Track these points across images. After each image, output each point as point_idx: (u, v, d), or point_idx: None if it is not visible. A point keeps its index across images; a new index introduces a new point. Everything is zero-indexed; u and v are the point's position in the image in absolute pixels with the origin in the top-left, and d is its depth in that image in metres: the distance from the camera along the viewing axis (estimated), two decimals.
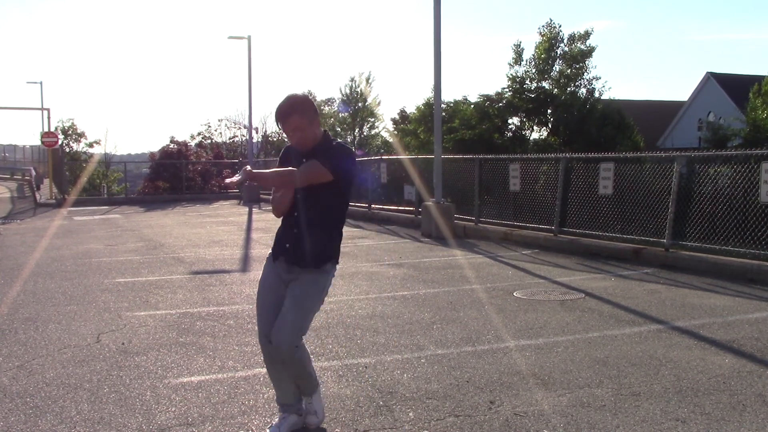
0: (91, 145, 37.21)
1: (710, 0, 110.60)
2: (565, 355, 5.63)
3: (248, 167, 3.92)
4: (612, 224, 11.51)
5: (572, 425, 4.19)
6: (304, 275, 3.97)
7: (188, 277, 9.69)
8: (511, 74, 31.21)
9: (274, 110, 3.96)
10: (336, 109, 48.56)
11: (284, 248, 4.01)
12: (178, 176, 30.13)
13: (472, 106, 30.97)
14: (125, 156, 49.63)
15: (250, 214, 21.59)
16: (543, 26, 31.22)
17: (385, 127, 45.91)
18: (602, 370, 5.21)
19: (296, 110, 3.86)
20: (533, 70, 31.01)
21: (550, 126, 30.74)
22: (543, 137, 30.73)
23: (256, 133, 39.51)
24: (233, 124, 43.11)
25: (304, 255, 3.95)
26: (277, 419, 4.22)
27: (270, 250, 4.15)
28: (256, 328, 4.13)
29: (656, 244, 10.43)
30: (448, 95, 49.31)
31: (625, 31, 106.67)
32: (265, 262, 4.17)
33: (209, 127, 42.96)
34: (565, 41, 30.91)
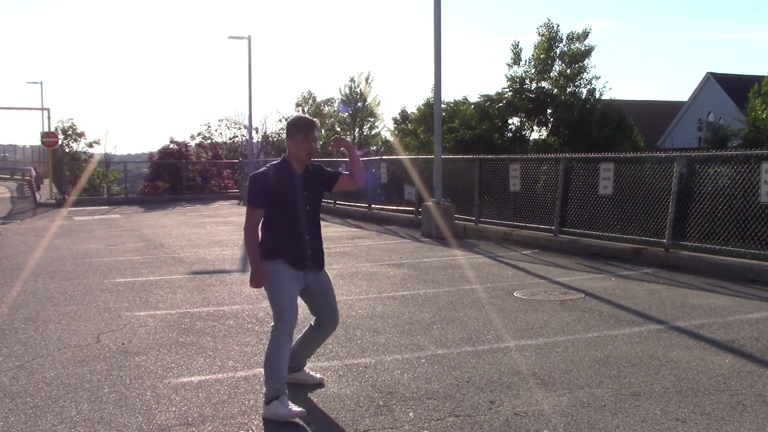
0: (90, 145, 37.24)
1: (710, 0, 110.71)
2: (565, 355, 5.63)
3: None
4: (612, 224, 11.50)
5: (572, 425, 4.19)
6: (323, 272, 4.75)
7: (188, 277, 9.69)
8: (510, 74, 31.22)
9: (297, 120, 4.66)
10: (336, 108, 48.54)
11: (308, 256, 4.60)
12: (178, 176, 30.12)
13: (472, 106, 30.95)
14: (125, 156, 49.48)
15: None
16: (541, 26, 31.24)
17: (385, 126, 45.90)
18: (602, 370, 5.21)
19: (317, 126, 4.66)
20: (533, 70, 30.99)
21: (550, 126, 30.72)
22: (543, 137, 30.70)
23: (256, 133, 39.51)
24: (233, 124, 43.10)
25: (323, 256, 4.76)
26: (286, 407, 4.36)
27: (281, 259, 4.54)
28: (280, 310, 4.50)
29: (656, 244, 10.43)
30: (448, 95, 49.36)
31: (625, 31, 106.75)
32: (277, 266, 4.54)
33: (209, 127, 42.95)
34: (563, 41, 30.90)
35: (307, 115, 4.76)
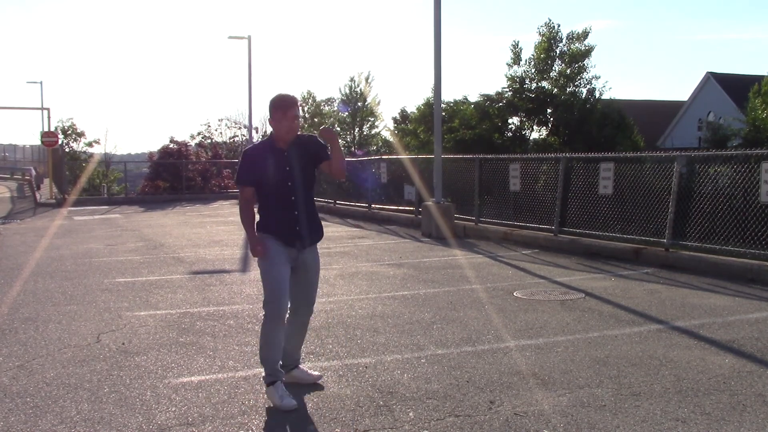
0: (90, 145, 37.20)
1: (710, 0, 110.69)
2: (565, 355, 5.63)
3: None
4: (612, 224, 11.50)
5: (572, 425, 4.19)
6: (313, 250, 4.82)
7: (188, 276, 9.69)
8: (510, 74, 31.22)
9: (276, 99, 4.70)
10: (336, 108, 48.55)
11: (296, 232, 4.70)
12: (178, 176, 30.10)
13: (472, 106, 30.95)
14: (125, 156, 49.48)
15: None
16: (542, 26, 31.23)
17: (386, 126, 45.90)
18: (602, 370, 5.21)
19: (297, 103, 4.76)
20: (533, 70, 30.98)
21: (550, 126, 30.72)
22: (543, 137, 30.71)
23: (256, 132, 39.49)
24: (233, 123, 43.08)
25: (315, 233, 4.82)
26: (278, 394, 4.56)
27: (272, 235, 4.70)
28: (271, 292, 4.61)
29: (656, 244, 10.43)
30: (448, 95, 49.28)
31: (625, 31, 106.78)
32: (269, 242, 4.68)
33: (209, 127, 42.93)
34: (564, 41, 30.89)
35: (288, 93, 4.78)
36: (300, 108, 4.77)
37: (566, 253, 11.39)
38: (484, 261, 10.91)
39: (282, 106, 4.66)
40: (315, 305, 5.02)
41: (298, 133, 4.80)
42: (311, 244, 4.80)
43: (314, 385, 4.95)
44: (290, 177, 4.69)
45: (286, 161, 4.69)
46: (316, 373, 5.09)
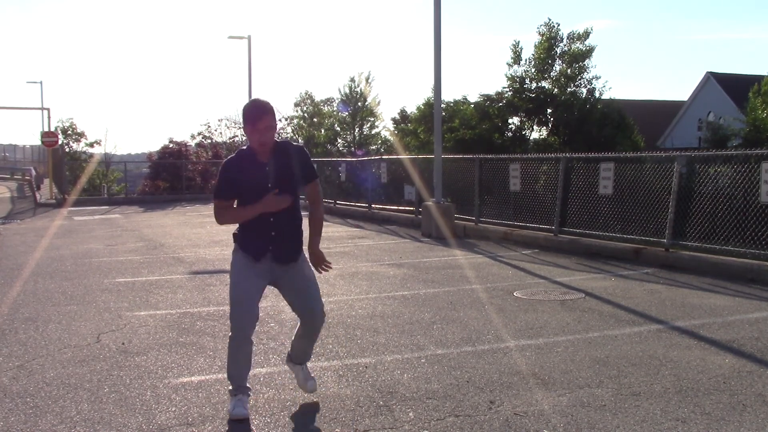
0: (91, 145, 37.30)
1: (710, 0, 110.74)
2: (565, 355, 5.63)
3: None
4: (612, 224, 11.49)
5: (572, 425, 4.19)
6: (298, 265, 4.53)
7: (188, 276, 9.69)
8: (510, 74, 31.24)
9: (245, 109, 4.33)
10: (335, 108, 48.52)
11: (268, 248, 4.42)
12: (178, 176, 30.11)
13: (472, 106, 30.98)
14: (125, 156, 49.44)
15: None
16: (542, 26, 31.24)
17: (385, 127, 45.90)
18: (602, 370, 5.21)
19: (270, 111, 4.32)
20: (533, 70, 30.99)
21: (550, 126, 30.74)
22: (543, 137, 30.74)
23: None
24: (233, 123, 43.08)
25: (291, 252, 4.51)
26: (234, 402, 4.39)
27: (245, 251, 4.47)
28: (233, 312, 4.41)
29: (656, 244, 10.43)
30: (448, 95, 49.24)
31: (625, 31, 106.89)
32: (237, 258, 4.49)
33: (209, 126, 42.98)
34: (564, 41, 30.90)
35: (259, 100, 4.37)
36: (276, 115, 4.40)
37: (566, 253, 11.39)
38: (484, 261, 10.91)
39: (250, 119, 4.27)
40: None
41: (278, 140, 4.47)
42: (290, 261, 4.49)
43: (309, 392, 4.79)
44: (271, 191, 4.34)
45: (266, 176, 4.35)
46: (310, 383, 4.74)
